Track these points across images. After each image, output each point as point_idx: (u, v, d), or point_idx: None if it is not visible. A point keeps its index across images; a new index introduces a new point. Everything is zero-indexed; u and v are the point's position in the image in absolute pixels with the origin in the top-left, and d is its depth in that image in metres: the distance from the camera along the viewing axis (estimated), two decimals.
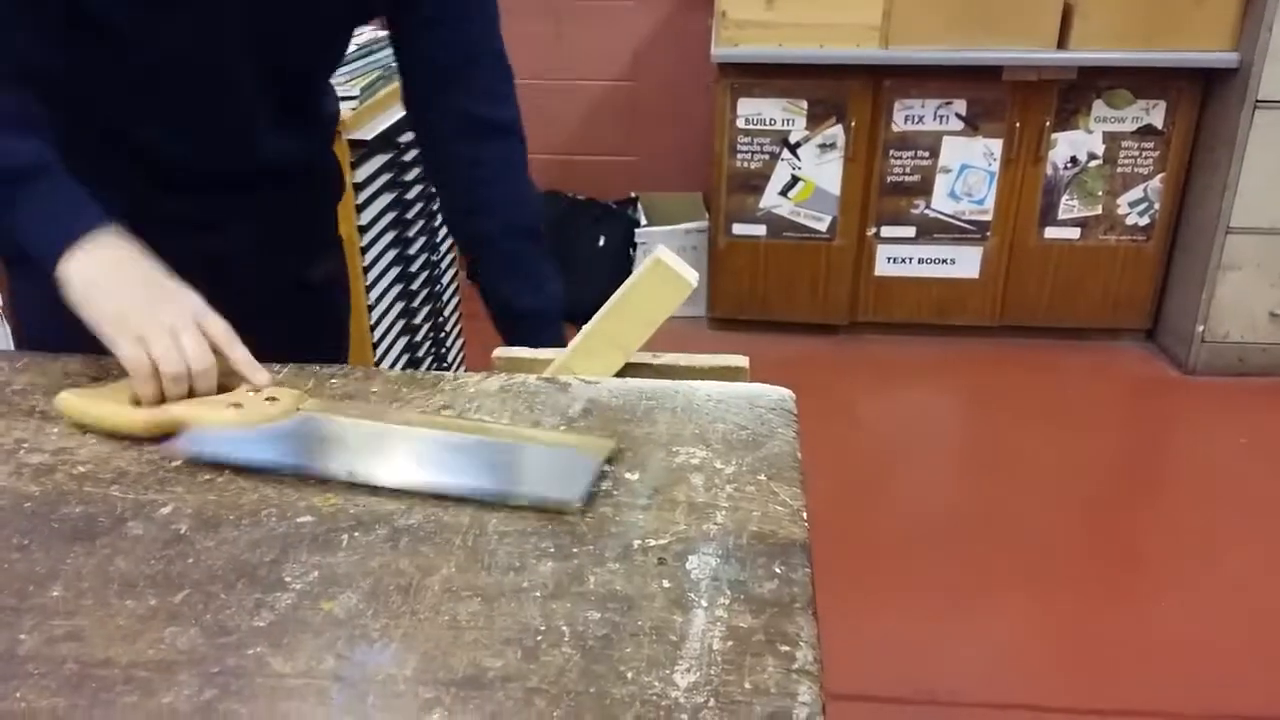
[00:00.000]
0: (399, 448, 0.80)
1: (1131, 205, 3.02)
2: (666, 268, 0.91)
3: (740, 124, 2.97)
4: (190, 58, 0.96)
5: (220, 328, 0.85)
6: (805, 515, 0.73)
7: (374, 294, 1.99)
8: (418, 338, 2.28)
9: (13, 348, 1.75)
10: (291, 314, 1.16)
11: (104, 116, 1.00)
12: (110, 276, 0.84)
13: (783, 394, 0.88)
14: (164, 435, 0.80)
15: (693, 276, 0.92)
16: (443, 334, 2.45)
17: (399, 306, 2.16)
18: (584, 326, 0.96)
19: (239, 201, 1.09)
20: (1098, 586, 2.16)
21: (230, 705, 0.56)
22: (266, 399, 0.83)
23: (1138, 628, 2.04)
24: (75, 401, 0.83)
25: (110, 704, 0.56)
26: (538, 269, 1.13)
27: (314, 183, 1.19)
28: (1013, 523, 2.36)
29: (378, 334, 2.02)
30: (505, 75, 1.13)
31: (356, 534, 0.70)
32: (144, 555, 0.68)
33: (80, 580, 0.65)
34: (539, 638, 0.60)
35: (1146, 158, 2.95)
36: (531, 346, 1.02)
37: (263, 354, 0.93)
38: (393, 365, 2.11)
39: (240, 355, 0.85)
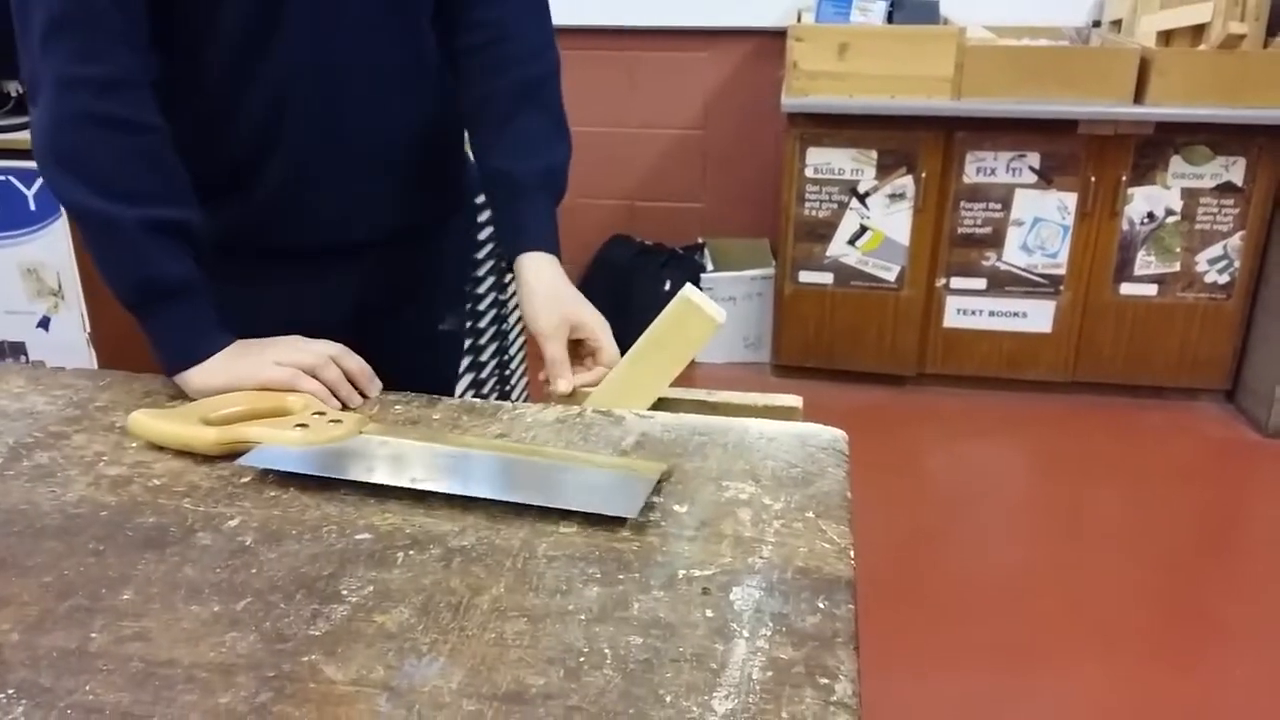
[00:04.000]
0: (458, 464, 0.82)
1: (1211, 263, 2.95)
2: (694, 306, 0.93)
3: (809, 173, 2.99)
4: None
5: (324, 344, 0.95)
6: (852, 553, 0.73)
7: None
8: (483, 374, 2.32)
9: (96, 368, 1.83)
10: (422, 359, 1.21)
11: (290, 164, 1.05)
12: (225, 371, 0.93)
13: (835, 434, 0.89)
14: (234, 453, 0.84)
15: (720, 314, 0.94)
16: (507, 372, 2.49)
17: (466, 343, 2.20)
18: (616, 364, 0.98)
19: (379, 264, 1.13)
20: (1170, 655, 2.09)
21: (284, 708, 0.58)
22: (330, 421, 0.86)
23: (1213, 700, 1.97)
24: (146, 421, 0.86)
25: (171, 701, 0.58)
26: (525, 134, 1.09)
27: (441, 229, 1.22)
28: (1081, 586, 2.30)
29: None
30: None
31: (411, 552, 0.72)
32: (210, 564, 0.71)
33: (150, 585, 0.69)
34: (581, 659, 0.62)
35: (1226, 215, 2.90)
36: (508, 218, 1.06)
37: (393, 389, 0.99)
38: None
39: (354, 365, 0.95)
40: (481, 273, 2.24)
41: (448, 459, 0.83)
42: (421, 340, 1.22)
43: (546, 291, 1.03)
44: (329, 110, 1.01)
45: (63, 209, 0.97)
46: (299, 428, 0.85)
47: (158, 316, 0.94)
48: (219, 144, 1.01)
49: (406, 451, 0.84)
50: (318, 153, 1.03)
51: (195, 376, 0.93)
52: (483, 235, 2.22)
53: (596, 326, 1.02)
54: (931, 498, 2.70)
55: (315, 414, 0.88)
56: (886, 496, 2.60)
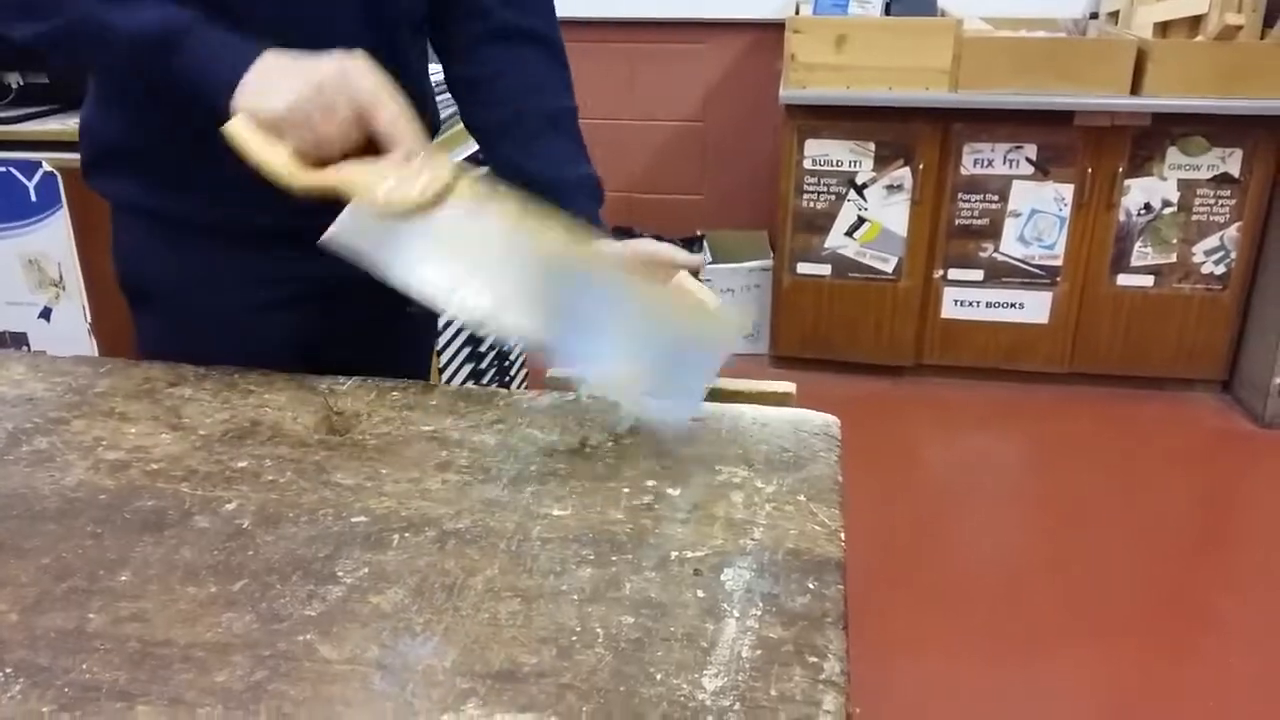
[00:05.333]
0: (532, 284, 0.83)
1: (1207, 254, 2.96)
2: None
3: (807, 164, 3.00)
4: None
5: (366, 89, 0.85)
6: (842, 535, 0.74)
7: (442, 319, 2.05)
8: (482, 365, 2.33)
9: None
10: (392, 339, 1.21)
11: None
12: (273, 82, 0.85)
13: (827, 419, 0.90)
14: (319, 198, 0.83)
15: (715, 301, 0.94)
16: (506, 361, 2.50)
17: (466, 332, 2.21)
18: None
19: None
20: (1165, 645, 2.10)
21: (279, 686, 0.59)
22: (421, 177, 0.84)
23: (1207, 689, 1.98)
24: (247, 134, 0.83)
25: (168, 680, 0.59)
26: (560, 150, 1.07)
27: None
28: (1078, 575, 2.31)
29: (444, 358, 2.08)
30: None
31: (407, 535, 0.73)
32: (207, 546, 0.71)
33: (147, 567, 0.69)
34: (574, 638, 0.62)
35: (1223, 206, 2.90)
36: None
37: (361, 371, 0.99)
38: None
39: (384, 122, 0.85)
40: None
41: (522, 271, 0.84)
42: (391, 322, 1.22)
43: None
44: None
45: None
46: (387, 182, 0.82)
47: (186, 52, 0.86)
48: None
49: (486, 245, 0.84)
50: None
51: (243, 94, 0.85)
52: None
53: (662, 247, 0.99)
54: (928, 487, 2.71)
55: (405, 163, 0.84)
56: (883, 486, 2.61)
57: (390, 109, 0.85)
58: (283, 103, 0.83)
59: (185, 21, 0.87)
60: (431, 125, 1.17)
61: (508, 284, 0.83)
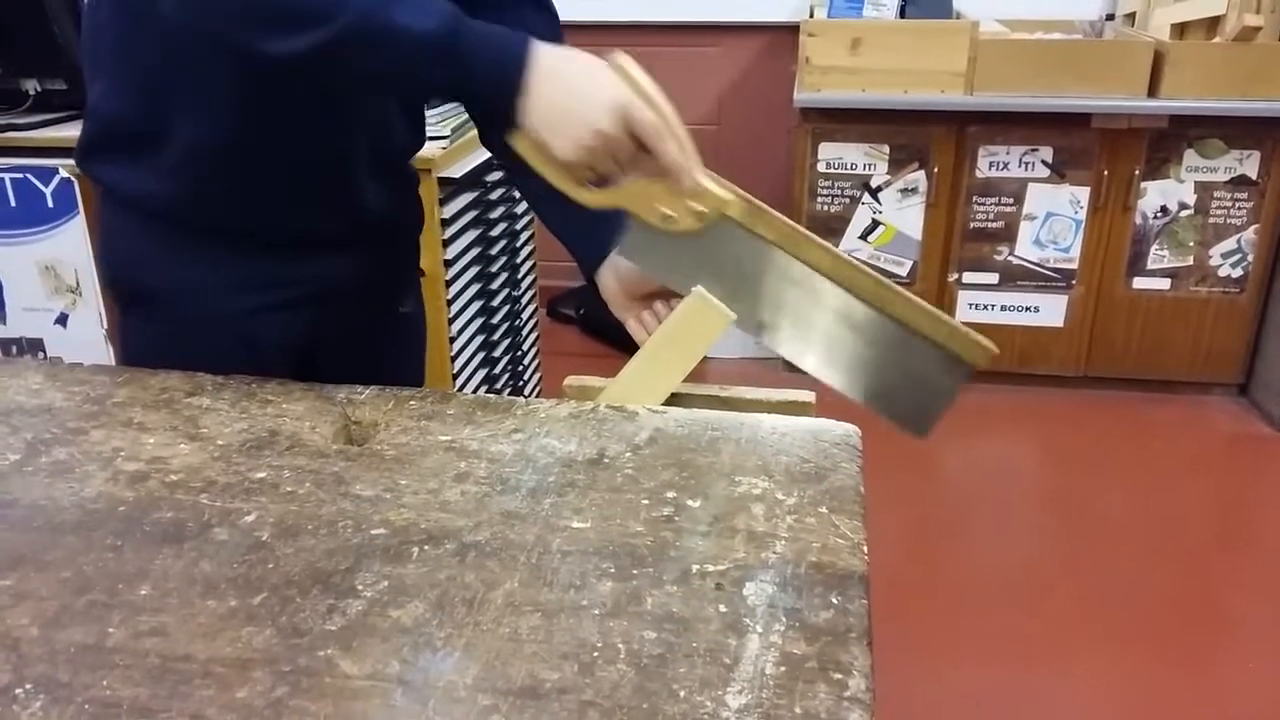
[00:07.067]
0: (800, 301, 0.94)
1: (1224, 256, 2.94)
2: (707, 302, 0.93)
3: (821, 168, 2.98)
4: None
5: (648, 126, 0.85)
6: (865, 548, 0.73)
7: (456, 326, 2.05)
8: (496, 370, 2.32)
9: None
10: (384, 340, 1.21)
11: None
12: (558, 123, 0.85)
13: (847, 429, 0.89)
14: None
15: (731, 310, 0.94)
16: (520, 366, 2.49)
17: (479, 339, 2.21)
18: (629, 360, 0.98)
19: (344, 252, 1.13)
20: (1181, 649, 2.09)
21: (300, 702, 0.58)
22: (692, 207, 0.90)
23: (1224, 694, 1.96)
24: (532, 153, 0.87)
25: (188, 696, 0.59)
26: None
27: (407, 224, 1.24)
28: (1094, 580, 2.29)
29: (458, 364, 2.08)
30: None
31: (426, 547, 0.73)
32: (227, 559, 0.71)
33: (167, 580, 0.69)
34: (595, 653, 0.62)
35: (1240, 208, 2.88)
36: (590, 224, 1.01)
37: (355, 377, 0.98)
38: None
39: (669, 156, 0.87)
40: (494, 268, 2.25)
41: (795, 290, 0.94)
42: (384, 326, 1.22)
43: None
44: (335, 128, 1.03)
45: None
46: (665, 211, 0.90)
47: (464, 40, 0.84)
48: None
49: (759, 273, 0.93)
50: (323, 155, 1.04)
51: (531, 100, 0.84)
52: (495, 232, 2.23)
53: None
54: (943, 492, 2.70)
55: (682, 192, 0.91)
56: (898, 491, 2.59)
57: (671, 148, 0.87)
58: (569, 150, 0.85)
59: (458, 16, 0.84)
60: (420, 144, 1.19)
61: (773, 300, 0.94)
